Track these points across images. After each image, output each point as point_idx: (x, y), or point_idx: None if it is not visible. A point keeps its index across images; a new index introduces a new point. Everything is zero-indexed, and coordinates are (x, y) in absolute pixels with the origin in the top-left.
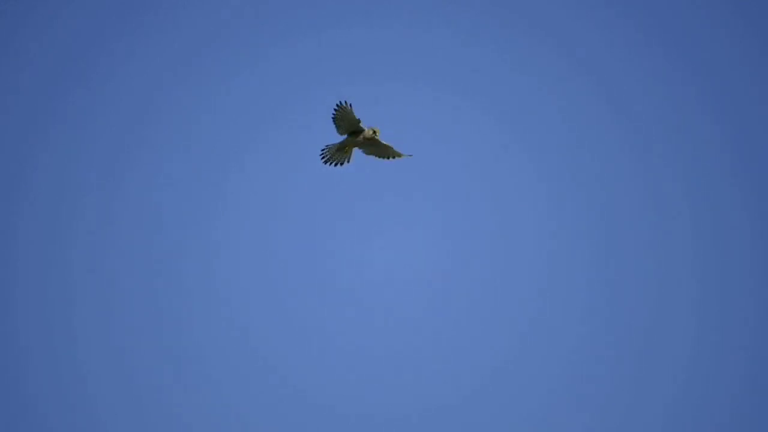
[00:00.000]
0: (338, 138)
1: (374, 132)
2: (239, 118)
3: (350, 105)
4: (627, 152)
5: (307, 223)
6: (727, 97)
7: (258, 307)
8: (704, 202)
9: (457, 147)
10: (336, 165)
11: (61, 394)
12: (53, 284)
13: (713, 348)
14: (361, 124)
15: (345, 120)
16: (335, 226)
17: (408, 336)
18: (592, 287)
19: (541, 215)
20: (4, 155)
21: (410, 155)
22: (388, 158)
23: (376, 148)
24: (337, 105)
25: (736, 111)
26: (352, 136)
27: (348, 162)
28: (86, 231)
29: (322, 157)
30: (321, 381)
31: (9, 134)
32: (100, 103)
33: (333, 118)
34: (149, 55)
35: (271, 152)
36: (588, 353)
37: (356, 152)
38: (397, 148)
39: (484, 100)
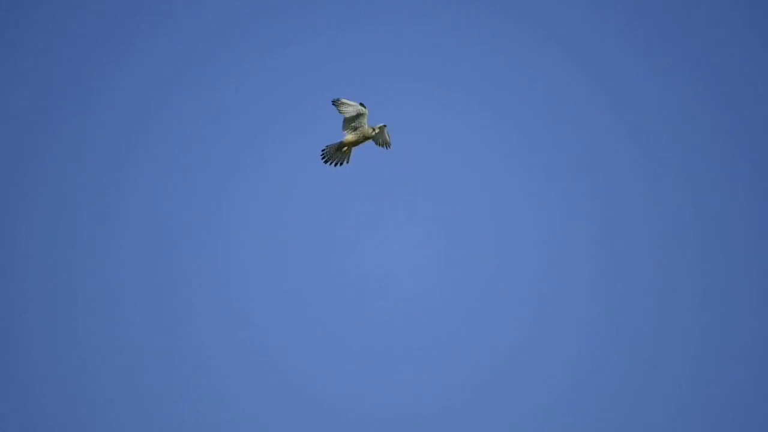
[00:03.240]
0: (338, 138)
1: (374, 131)
2: (240, 118)
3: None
4: (629, 150)
5: (308, 222)
6: (729, 95)
7: (259, 307)
8: (706, 201)
9: (458, 145)
10: (335, 165)
11: (64, 394)
12: (55, 285)
13: (716, 347)
14: (365, 119)
15: (352, 109)
16: (336, 225)
17: (409, 334)
18: (593, 286)
19: (542, 213)
20: (4, 156)
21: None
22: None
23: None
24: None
25: (738, 109)
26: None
27: (347, 162)
28: (88, 231)
29: (322, 157)
30: (322, 379)
31: (9, 135)
32: (101, 103)
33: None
34: (151, 57)
35: (272, 152)
36: (589, 353)
37: (355, 151)
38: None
39: (485, 98)
